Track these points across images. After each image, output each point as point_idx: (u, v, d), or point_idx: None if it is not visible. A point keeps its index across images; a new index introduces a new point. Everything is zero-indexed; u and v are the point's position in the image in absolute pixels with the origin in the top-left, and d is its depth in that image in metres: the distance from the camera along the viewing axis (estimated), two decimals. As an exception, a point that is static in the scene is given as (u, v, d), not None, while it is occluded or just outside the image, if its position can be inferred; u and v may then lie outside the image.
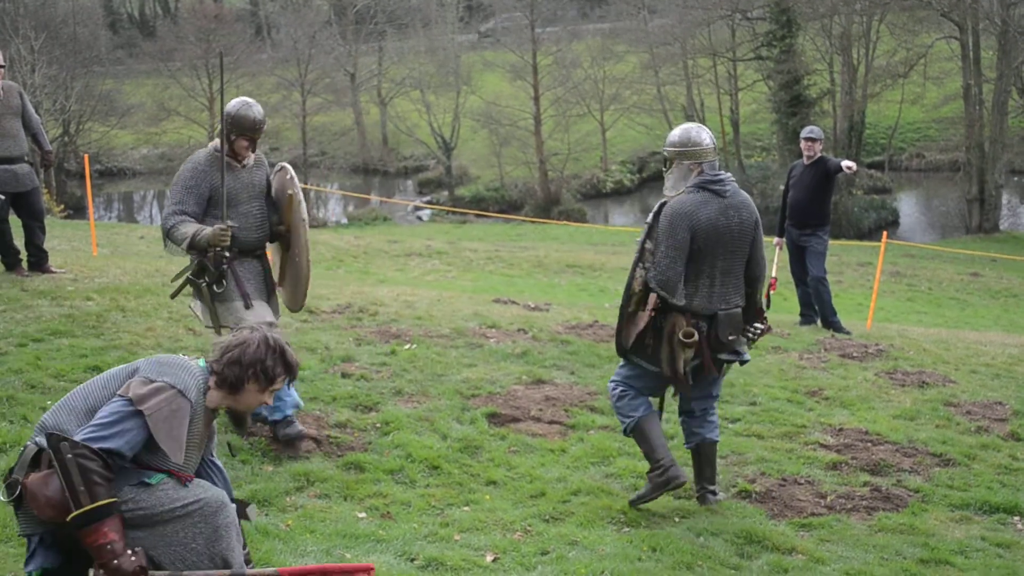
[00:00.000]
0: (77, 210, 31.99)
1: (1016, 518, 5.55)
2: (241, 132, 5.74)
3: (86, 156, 15.69)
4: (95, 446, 3.35)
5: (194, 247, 5.60)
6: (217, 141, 5.81)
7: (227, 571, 3.50)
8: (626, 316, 5.29)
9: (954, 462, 6.30)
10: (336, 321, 8.55)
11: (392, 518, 5.07)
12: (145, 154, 44.64)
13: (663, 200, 5.31)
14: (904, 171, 40.83)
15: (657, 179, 32.96)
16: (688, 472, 5.66)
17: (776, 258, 10.50)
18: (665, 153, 5.39)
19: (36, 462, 3.48)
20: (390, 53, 46.68)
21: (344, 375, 7.08)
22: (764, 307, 5.51)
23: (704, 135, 5.30)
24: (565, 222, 31.70)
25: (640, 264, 5.23)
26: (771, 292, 10.42)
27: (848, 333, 9.89)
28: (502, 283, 15.72)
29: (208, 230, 5.58)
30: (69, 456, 3.31)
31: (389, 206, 37.77)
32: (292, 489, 5.29)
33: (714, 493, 5.49)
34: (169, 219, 5.65)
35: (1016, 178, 38.31)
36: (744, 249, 5.28)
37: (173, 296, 6.13)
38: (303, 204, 5.82)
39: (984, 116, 32.16)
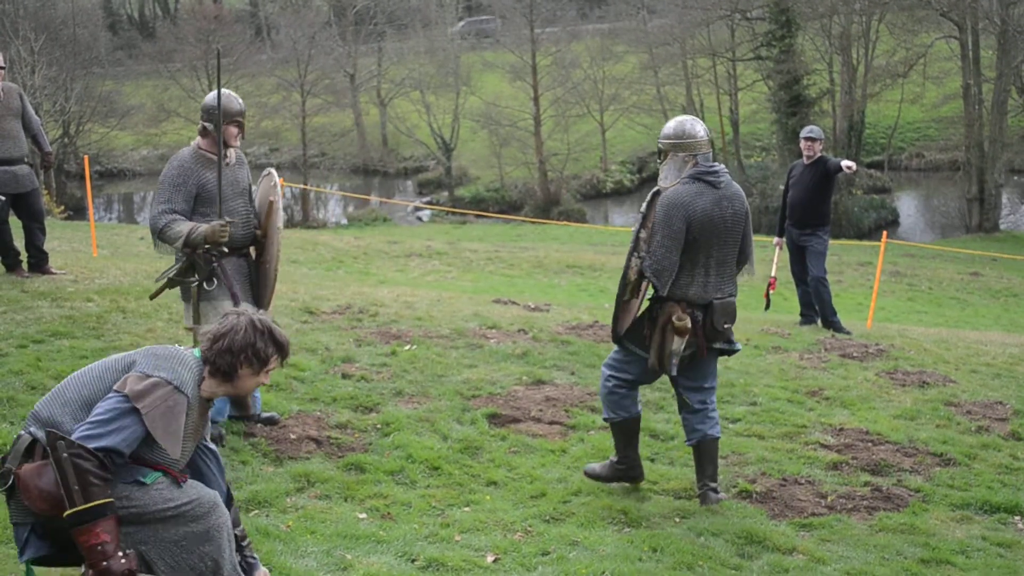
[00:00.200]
0: (77, 211, 32.01)
1: (1017, 518, 5.55)
2: (231, 119, 5.73)
3: (86, 157, 15.69)
4: (92, 445, 3.34)
5: (189, 244, 5.57)
6: (199, 139, 5.80)
7: None
8: (621, 304, 5.43)
9: (955, 462, 6.30)
10: (336, 322, 8.55)
11: (393, 519, 5.07)
12: (145, 155, 44.67)
13: (656, 189, 5.43)
14: (904, 171, 40.83)
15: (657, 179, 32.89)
16: (683, 472, 5.66)
17: (776, 258, 10.51)
18: (660, 145, 5.49)
19: (30, 452, 3.47)
20: (389, 54, 46.70)
21: (344, 376, 7.08)
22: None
23: (699, 127, 5.41)
24: (565, 222, 31.69)
25: (635, 253, 5.33)
26: (771, 292, 10.44)
27: (848, 333, 9.89)
28: (502, 284, 15.72)
29: (205, 227, 5.56)
30: (65, 455, 3.30)
31: (389, 207, 37.77)
32: (293, 490, 5.29)
33: (716, 491, 5.50)
34: (160, 218, 5.61)
35: (1016, 177, 38.31)
36: (737, 239, 5.41)
37: (153, 297, 6.08)
38: (280, 212, 5.82)
39: (984, 115, 32.16)
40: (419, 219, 37.03)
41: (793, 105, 32.44)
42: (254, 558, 3.88)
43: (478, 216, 32.79)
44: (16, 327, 7.30)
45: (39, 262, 9.10)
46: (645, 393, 6.52)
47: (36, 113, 9.24)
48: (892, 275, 19.46)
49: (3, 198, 8.68)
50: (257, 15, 55.17)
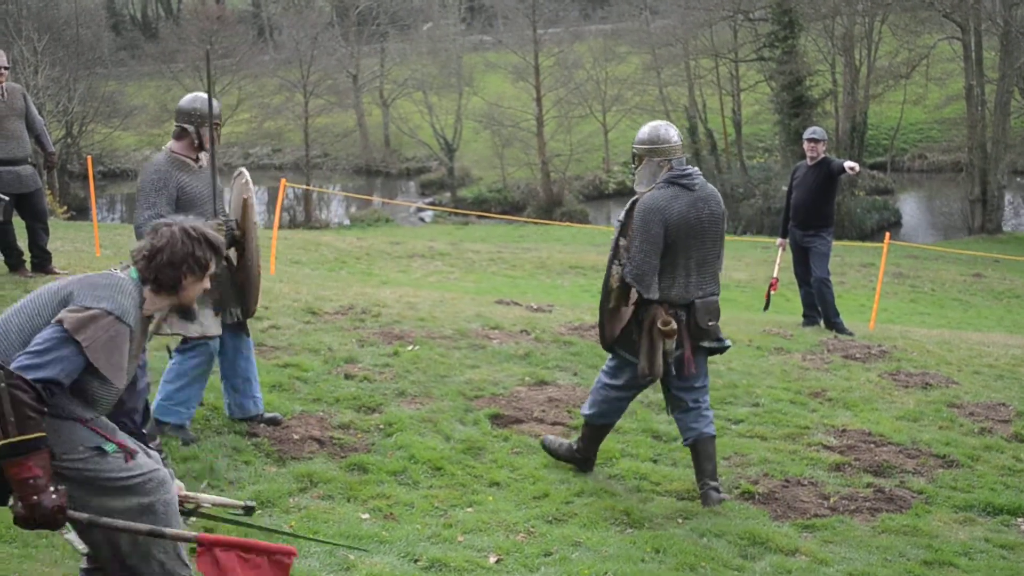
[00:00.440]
0: (80, 211, 32.01)
1: (1020, 520, 5.55)
2: (209, 121, 5.68)
3: (89, 157, 15.70)
4: (30, 376, 3.25)
5: None
6: (173, 142, 5.74)
7: (146, 527, 3.44)
8: (607, 312, 5.51)
9: (957, 463, 6.29)
10: (339, 322, 8.55)
11: (395, 519, 5.07)
12: (148, 155, 44.53)
13: (635, 198, 5.50)
14: (906, 172, 40.80)
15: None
16: (685, 473, 5.66)
17: (779, 259, 10.51)
18: (635, 150, 5.60)
19: None
20: (392, 54, 46.71)
21: (347, 376, 7.08)
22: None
23: (672, 132, 5.54)
24: (567, 223, 31.68)
25: (616, 261, 5.43)
26: (772, 292, 10.44)
27: (851, 334, 9.88)
28: (505, 284, 15.72)
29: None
30: (3, 386, 3.21)
31: (391, 207, 37.78)
32: (295, 490, 5.29)
33: (717, 490, 5.50)
34: (147, 225, 5.42)
35: (1019, 179, 38.26)
36: (717, 239, 5.49)
37: None
38: (255, 209, 5.78)
39: (986, 117, 32.15)
40: (422, 220, 37.04)
41: (796, 106, 32.43)
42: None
43: (480, 217, 32.79)
44: (19, 327, 7.30)
45: (42, 262, 9.12)
46: (647, 394, 6.51)
47: (39, 113, 9.26)
48: (895, 276, 19.45)
49: (6, 198, 8.69)
50: (260, 16, 55.20)
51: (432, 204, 38.71)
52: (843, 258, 21.22)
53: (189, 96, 5.78)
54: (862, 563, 4.86)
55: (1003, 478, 6.08)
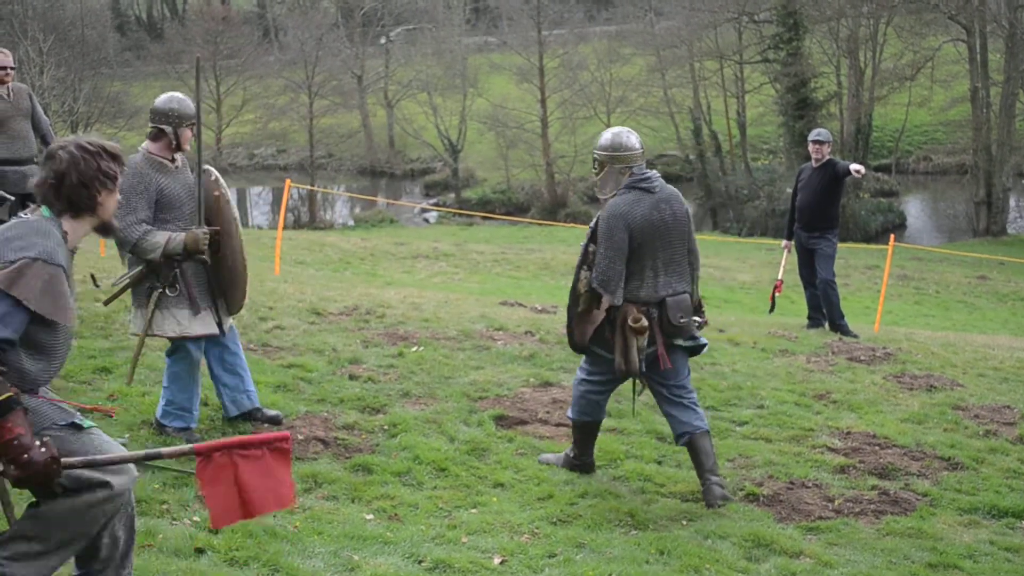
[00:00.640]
0: (84, 212, 32.05)
1: (1025, 522, 5.54)
2: (187, 122, 5.64)
3: (94, 158, 15.71)
4: None
5: (167, 255, 5.49)
6: (149, 143, 5.68)
7: (142, 452, 3.43)
8: (576, 317, 5.64)
9: (962, 466, 6.28)
10: (343, 323, 8.56)
11: (400, 520, 5.07)
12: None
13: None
14: (911, 174, 40.76)
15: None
16: (690, 475, 5.66)
17: (783, 261, 10.50)
18: (597, 156, 5.80)
19: None
20: (397, 55, 46.75)
21: (351, 377, 7.09)
22: (701, 300, 5.81)
23: (633, 139, 5.71)
24: (572, 224, 31.66)
25: (584, 266, 5.56)
26: (776, 294, 10.44)
27: (856, 336, 9.87)
28: (509, 285, 15.74)
29: (182, 236, 5.49)
30: None
31: (396, 208, 37.80)
32: (300, 491, 5.28)
33: (721, 486, 5.50)
34: (133, 230, 5.45)
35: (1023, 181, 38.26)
36: (683, 238, 5.60)
37: (108, 302, 5.98)
38: (231, 203, 5.73)
39: (991, 119, 32.10)
40: (426, 220, 37.06)
41: (800, 108, 32.39)
42: None
43: (485, 218, 32.79)
44: (25, 327, 7.31)
45: (47, 262, 9.12)
46: (648, 395, 6.51)
47: (45, 113, 9.27)
48: (899, 278, 19.44)
49: (11, 198, 8.70)
50: (265, 16, 55.27)
51: (436, 205, 38.74)
52: (848, 260, 21.21)
53: (165, 96, 5.72)
54: (866, 565, 4.85)
55: (1008, 481, 6.07)
